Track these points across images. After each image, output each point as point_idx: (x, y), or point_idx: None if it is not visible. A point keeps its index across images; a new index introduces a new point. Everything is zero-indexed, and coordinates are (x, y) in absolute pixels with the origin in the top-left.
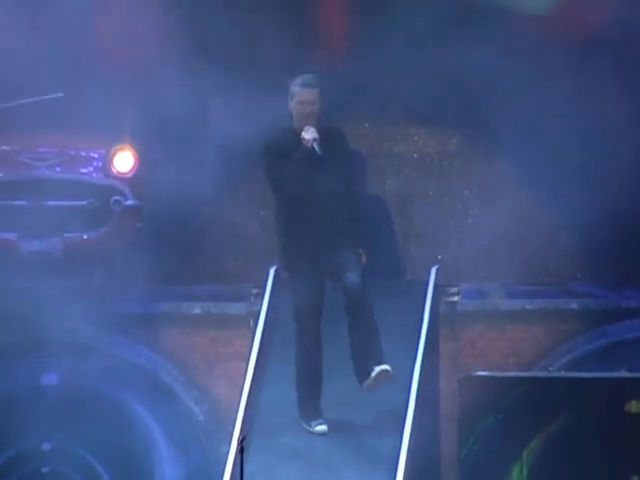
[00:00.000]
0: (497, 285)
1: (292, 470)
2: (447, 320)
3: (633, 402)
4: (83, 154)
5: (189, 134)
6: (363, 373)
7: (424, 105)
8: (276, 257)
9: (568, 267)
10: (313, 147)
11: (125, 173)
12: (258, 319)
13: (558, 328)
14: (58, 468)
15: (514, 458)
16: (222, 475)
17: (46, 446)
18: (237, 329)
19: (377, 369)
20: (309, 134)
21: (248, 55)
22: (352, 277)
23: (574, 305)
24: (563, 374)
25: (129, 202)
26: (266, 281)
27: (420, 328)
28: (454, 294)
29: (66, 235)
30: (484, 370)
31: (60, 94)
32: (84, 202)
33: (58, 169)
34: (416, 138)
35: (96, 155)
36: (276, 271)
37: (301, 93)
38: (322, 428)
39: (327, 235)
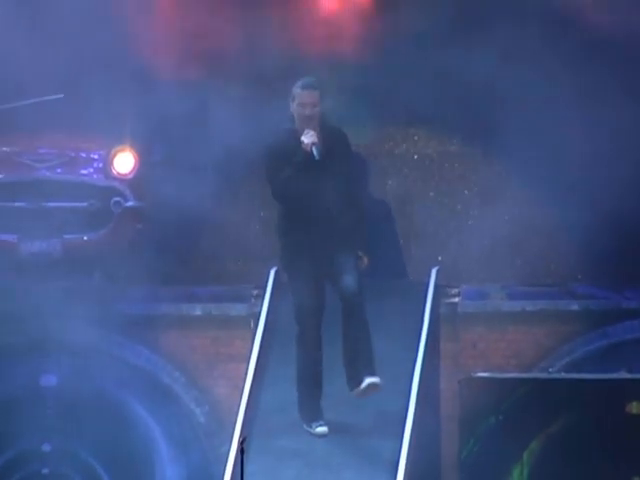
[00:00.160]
0: (498, 286)
1: (292, 471)
2: (448, 321)
3: (634, 403)
4: (83, 155)
5: (189, 135)
6: (354, 381)
7: (425, 106)
8: (276, 258)
9: (569, 268)
10: (312, 151)
11: (125, 174)
12: (258, 320)
13: (559, 329)
14: (58, 469)
15: (515, 459)
16: (222, 476)
17: (46, 447)
18: (237, 330)
19: (367, 381)
20: (308, 138)
21: (248, 55)
22: (349, 281)
23: (575, 306)
24: (564, 375)
25: (129, 203)
26: (266, 282)
27: (421, 329)
28: (455, 295)
29: (66, 236)
30: (485, 371)
31: (60, 95)
32: (84, 203)
33: (58, 170)
34: (416, 139)
35: (96, 156)
36: (276, 272)
37: (302, 95)
38: (323, 429)
39: (326, 237)
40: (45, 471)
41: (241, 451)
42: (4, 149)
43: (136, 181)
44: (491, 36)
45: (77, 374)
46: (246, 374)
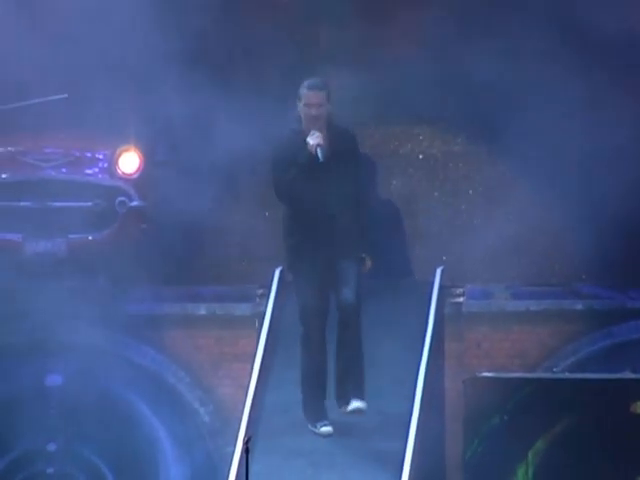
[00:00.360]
0: (502, 286)
1: (297, 471)
2: (452, 321)
3: (638, 403)
4: (88, 155)
5: (194, 135)
6: (342, 400)
7: (429, 106)
8: (281, 258)
9: (573, 268)
10: (316, 152)
11: (130, 174)
12: (263, 320)
13: (563, 329)
14: (63, 469)
15: (519, 459)
16: (227, 476)
17: (51, 447)
18: (242, 330)
19: (353, 405)
20: (314, 139)
21: (251, 57)
22: (347, 293)
23: (579, 306)
24: (568, 375)
25: (134, 203)
26: (271, 282)
27: (425, 329)
28: (459, 295)
29: (71, 236)
30: (489, 371)
31: (65, 95)
32: (89, 203)
33: (63, 170)
34: (421, 139)
35: (101, 156)
36: (281, 272)
37: (308, 95)
38: (327, 429)
39: (330, 239)
40: (50, 471)
41: (246, 451)
42: (9, 149)
43: (141, 181)
44: (495, 37)
45: (82, 374)
46: (251, 374)
